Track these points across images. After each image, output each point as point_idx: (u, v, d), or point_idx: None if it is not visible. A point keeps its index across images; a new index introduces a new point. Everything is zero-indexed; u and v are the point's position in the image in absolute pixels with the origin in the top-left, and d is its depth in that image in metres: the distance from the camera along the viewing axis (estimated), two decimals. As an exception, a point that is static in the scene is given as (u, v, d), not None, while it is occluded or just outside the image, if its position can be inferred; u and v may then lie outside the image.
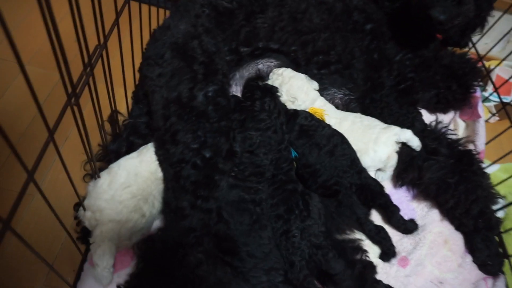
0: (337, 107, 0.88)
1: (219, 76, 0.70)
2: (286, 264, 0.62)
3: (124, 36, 0.69)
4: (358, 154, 0.79)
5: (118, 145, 0.74)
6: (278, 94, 0.82)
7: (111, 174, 0.64)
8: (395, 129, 0.81)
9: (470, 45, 1.02)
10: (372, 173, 0.81)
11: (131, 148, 0.73)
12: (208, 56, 0.71)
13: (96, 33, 0.55)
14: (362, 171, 0.72)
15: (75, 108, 0.46)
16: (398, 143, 0.80)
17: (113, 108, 0.74)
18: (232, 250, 0.60)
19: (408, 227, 0.75)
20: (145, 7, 0.80)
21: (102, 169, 0.69)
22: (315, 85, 0.88)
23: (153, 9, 0.93)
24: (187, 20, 0.76)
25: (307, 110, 0.84)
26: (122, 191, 0.62)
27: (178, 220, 0.61)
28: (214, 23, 0.79)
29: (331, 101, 0.89)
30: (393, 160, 0.80)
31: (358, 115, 0.86)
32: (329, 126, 0.79)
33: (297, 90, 0.85)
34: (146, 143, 0.73)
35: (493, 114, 1.00)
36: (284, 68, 0.87)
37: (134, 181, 0.64)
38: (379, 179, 0.81)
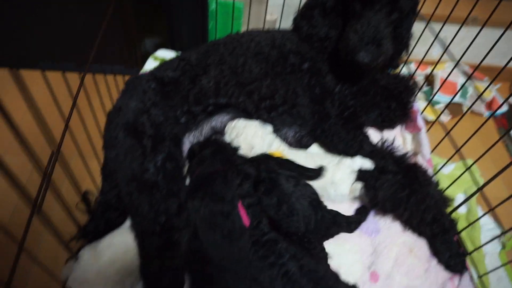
0: (290, 145, 0.96)
1: (166, 143, 0.78)
2: None
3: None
4: (320, 193, 0.84)
5: (95, 223, 0.79)
6: (236, 146, 0.89)
7: (97, 250, 0.71)
8: (346, 161, 0.88)
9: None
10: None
11: (108, 223, 0.79)
12: (156, 127, 0.79)
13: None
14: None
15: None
16: (353, 171, 0.87)
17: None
18: None
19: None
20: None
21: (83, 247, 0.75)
22: (269, 128, 0.95)
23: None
24: (135, 97, 0.84)
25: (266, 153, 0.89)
26: (108, 267, 0.69)
27: (151, 283, 0.68)
28: (160, 95, 0.87)
29: (285, 140, 0.96)
30: (357, 191, 0.87)
31: (310, 154, 0.92)
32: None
33: (252, 137, 0.91)
34: (122, 215, 0.79)
35: (439, 115, 1.07)
36: (236, 120, 0.93)
37: (121, 258, 0.70)
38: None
